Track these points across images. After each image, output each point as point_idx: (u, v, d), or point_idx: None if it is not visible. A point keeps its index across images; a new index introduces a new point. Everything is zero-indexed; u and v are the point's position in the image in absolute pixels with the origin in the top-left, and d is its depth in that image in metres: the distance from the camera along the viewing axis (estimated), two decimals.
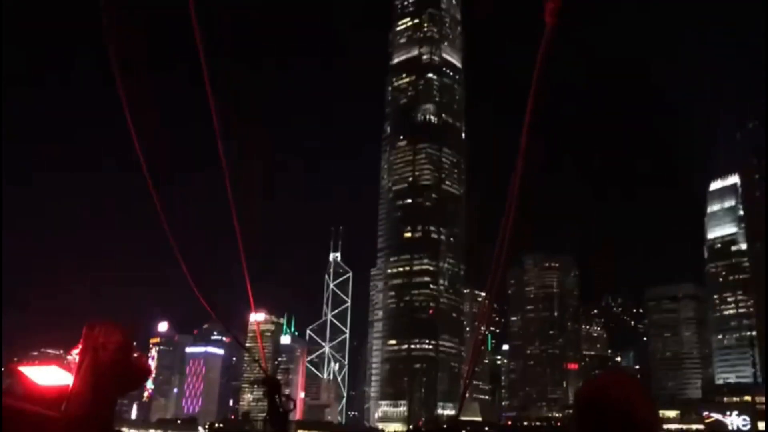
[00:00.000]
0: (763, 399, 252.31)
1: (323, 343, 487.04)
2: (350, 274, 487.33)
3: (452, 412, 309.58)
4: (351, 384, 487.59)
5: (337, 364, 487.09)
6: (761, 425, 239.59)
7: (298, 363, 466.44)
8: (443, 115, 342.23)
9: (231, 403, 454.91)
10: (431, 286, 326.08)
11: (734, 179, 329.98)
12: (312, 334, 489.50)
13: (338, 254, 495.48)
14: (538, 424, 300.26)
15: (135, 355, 3.42)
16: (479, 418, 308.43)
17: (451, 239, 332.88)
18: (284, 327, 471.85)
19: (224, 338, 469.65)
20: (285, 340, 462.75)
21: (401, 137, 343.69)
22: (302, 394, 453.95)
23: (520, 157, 3.85)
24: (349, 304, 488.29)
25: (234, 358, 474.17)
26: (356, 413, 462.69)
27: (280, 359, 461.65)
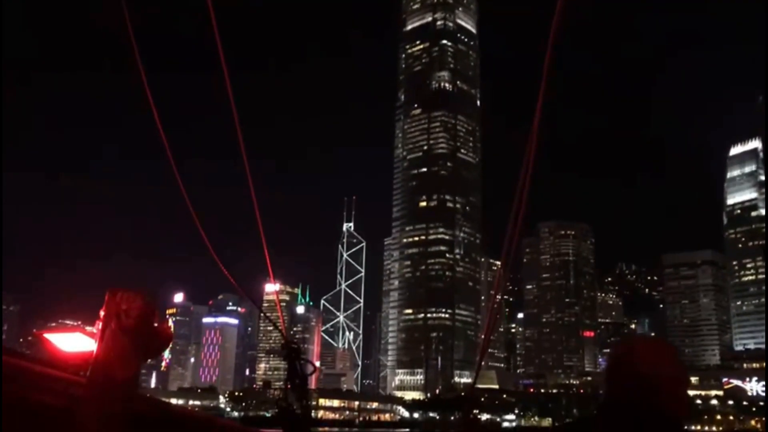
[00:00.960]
0: None
1: (338, 313, 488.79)
2: (363, 243, 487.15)
3: (469, 380, 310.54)
4: (365, 353, 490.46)
5: (352, 334, 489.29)
6: None
7: (314, 332, 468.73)
8: (458, 82, 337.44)
9: (247, 372, 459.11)
10: (447, 255, 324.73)
11: (755, 144, 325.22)
12: (326, 304, 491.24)
13: (351, 224, 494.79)
14: (555, 391, 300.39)
15: (157, 322, 3.54)
16: (496, 386, 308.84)
17: (467, 208, 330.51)
18: (299, 297, 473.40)
19: (239, 309, 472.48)
20: (300, 309, 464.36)
21: (415, 105, 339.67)
22: (318, 363, 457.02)
23: (534, 125, 3.88)
24: (363, 273, 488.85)
25: (249, 328, 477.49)
26: (371, 381, 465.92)
27: (295, 329, 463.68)
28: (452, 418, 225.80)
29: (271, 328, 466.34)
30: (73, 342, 3.52)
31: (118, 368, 3.24)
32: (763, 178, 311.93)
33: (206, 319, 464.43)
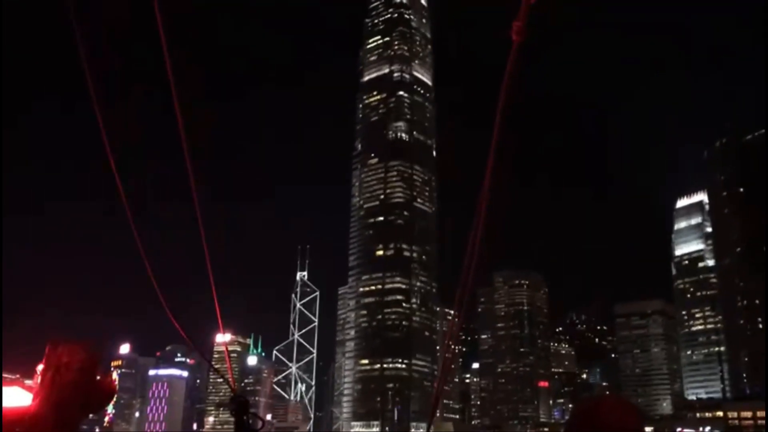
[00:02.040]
0: (735, 414, 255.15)
1: (290, 364, 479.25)
2: (317, 293, 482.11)
3: None
4: (318, 405, 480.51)
5: (304, 385, 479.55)
6: None
7: (265, 384, 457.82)
8: (414, 132, 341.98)
9: (195, 426, 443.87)
10: (404, 304, 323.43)
11: (700, 197, 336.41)
12: (279, 355, 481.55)
13: (305, 273, 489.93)
14: None
15: (100, 375, 3.34)
16: None
17: (424, 257, 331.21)
18: (250, 347, 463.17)
19: (188, 360, 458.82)
20: (251, 361, 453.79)
21: (372, 155, 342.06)
22: (269, 416, 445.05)
23: (487, 174, 4.00)
24: (316, 323, 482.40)
25: (198, 381, 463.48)
26: None
27: (246, 381, 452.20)
28: None
29: (221, 380, 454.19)
30: (11, 396, 3.34)
31: (56, 424, 3.08)
32: (709, 229, 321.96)
33: (153, 372, 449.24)
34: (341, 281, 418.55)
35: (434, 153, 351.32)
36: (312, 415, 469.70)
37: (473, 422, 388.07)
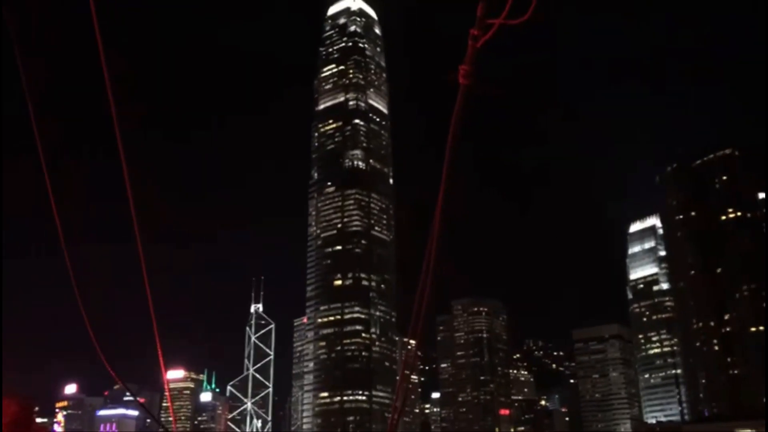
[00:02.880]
0: None
1: (245, 399, 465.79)
2: (273, 325, 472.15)
3: None
4: None
5: (260, 421, 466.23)
6: None
7: (220, 421, 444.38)
8: (371, 160, 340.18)
9: None
10: (363, 334, 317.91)
11: (652, 221, 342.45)
12: (233, 390, 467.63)
13: (260, 305, 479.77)
14: None
15: (34, 426, 3.12)
16: None
17: (382, 286, 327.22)
18: (204, 383, 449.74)
19: (138, 398, 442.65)
20: (205, 397, 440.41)
21: (329, 183, 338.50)
22: None
23: (438, 206, 4.13)
24: (272, 356, 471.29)
25: (148, 420, 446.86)
26: None
27: (200, 418, 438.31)
28: None
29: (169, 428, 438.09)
30: None
31: None
32: (662, 253, 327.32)
33: (101, 412, 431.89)
34: (297, 313, 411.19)
35: (391, 181, 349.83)
36: None
37: None
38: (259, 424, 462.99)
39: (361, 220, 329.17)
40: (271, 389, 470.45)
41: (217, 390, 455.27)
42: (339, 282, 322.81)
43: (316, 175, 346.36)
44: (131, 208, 4.37)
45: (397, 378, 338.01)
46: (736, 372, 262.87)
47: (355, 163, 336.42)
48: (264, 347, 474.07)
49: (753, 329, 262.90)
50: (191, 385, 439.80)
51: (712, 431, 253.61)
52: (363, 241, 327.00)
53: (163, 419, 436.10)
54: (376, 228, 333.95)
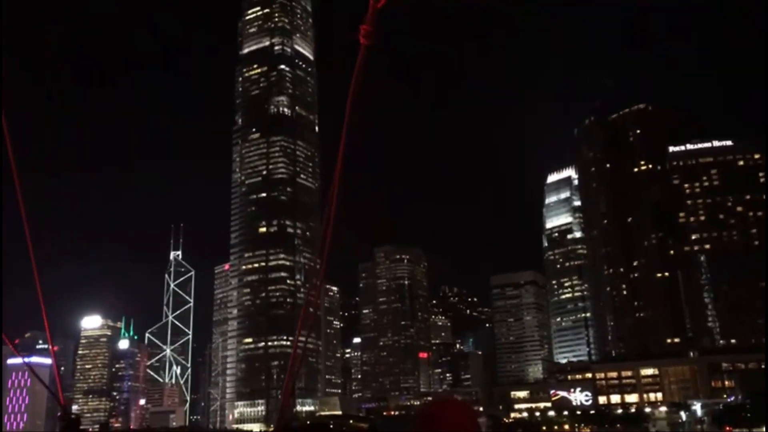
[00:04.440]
0: (602, 375, 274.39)
1: (164, 346, 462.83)
2: (192, 272, 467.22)
3: (312, 408, 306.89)
4: (194, 387, 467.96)
5: (179, 367, 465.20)
6: (601, 399, 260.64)
7: (138, 368, 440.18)
8: (297, 107, 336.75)
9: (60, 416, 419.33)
10: (288, 281, 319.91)
11: (568, 172, 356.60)
12: (152, 338, 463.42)
13: (179, 252, 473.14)
14: (397, 413, 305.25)
15: None
16: (340, 412, 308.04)
17: (308, 233, 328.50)
18: (122, 331, 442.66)
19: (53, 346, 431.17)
20: (123, 345, 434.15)
21: (254, 130, 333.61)
22: (143, 401, 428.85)
23: (339, 157, 4.37)
24: (191, 304, 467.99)
25: (63, 368, 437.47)
26: (199, 417, 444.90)
27: (118, 365, 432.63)
28: None
29: (89, 366, 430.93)
30: None
31: None
32: (577, 203, 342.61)
33: (12, 360, 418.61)
34: (218, 260, 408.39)
35: (317, 129, 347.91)
36: (188, 398, 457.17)
37: (354, 396, 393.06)
38: (179, 371, 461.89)
39: (287, 168, 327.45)
40: (190, 336, 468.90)
41: (136, 337, 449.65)
42: (264, 229, 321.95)
43: (240, 121, 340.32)
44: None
45: (322, 324, 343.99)
46: (641, 315, 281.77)
47: (281, 109, 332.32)
48: (183, 294, 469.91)
49: (658, 275, 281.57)
50: (108, 332, 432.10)
51: (618, 370, 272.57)
52: (288, 189, 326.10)
53: (79, 366, 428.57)
54: (302, 176, 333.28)
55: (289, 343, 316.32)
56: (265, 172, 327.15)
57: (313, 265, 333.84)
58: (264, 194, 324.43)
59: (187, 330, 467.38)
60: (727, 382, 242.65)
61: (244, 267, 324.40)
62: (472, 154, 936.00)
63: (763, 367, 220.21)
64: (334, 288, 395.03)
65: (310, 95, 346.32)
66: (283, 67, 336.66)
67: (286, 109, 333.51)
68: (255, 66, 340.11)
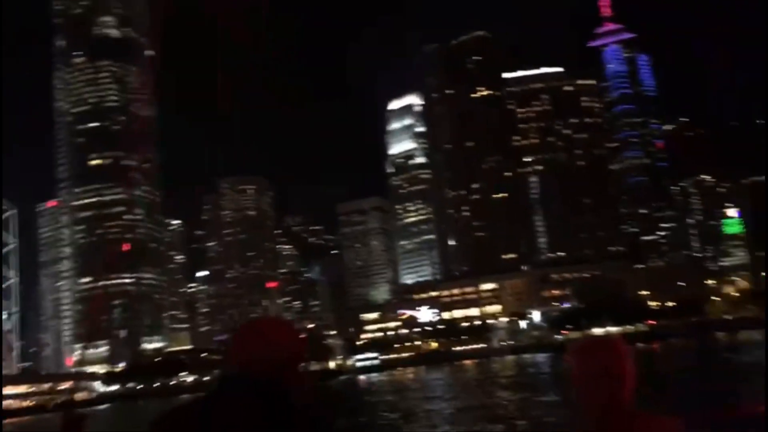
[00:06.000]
0: (447, 293, 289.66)
1: None
2: (15, 211, 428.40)
3: (160, 345, 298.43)
4: (23, 333, 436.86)
5: (6, 314, 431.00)
6: (445, 315, 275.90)
7: None
8: (127, 29, 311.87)
9: None
10: (125, 216, 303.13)
11: (410, 99, 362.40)
12: None
13: None
14: None
15: None
16: (191, 346, 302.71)
17: (145, 165, 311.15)
18: None
19: None
20: None
21: (78, 53, 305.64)
22: None
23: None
24: (16, 244, 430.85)
25: None
26: (31, 363, 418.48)
27: None
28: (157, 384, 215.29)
29: None
30: None
31: None
32: (419, 129, 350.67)
33: None
34: (42, 197, 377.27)
35: (151, 52, 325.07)
36: (16, 344, 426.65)
37: (202, 329, 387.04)
38: (5, 317, 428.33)
39: (119, 95, 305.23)
40: (16, 279, 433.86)
41: None
42: (96, 162, 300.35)
43: (61, 43, 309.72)
44: None
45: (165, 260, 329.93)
46: (481, 234, 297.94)
47: (109, 31, 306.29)
48: (6, 234, 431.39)
49: (496, 196, 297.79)
50: None
51: (461, 287, 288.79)
52: (121, 117, 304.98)
53: None
54: (136, 103, 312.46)
55: (130, 281, 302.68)
56: (93, 100, 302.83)
57: (153, 198, 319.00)
58: (94, 124, 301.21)
59: (10, 274, 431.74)
60: (557, 291, 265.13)
61: (75, 203, 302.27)
62: (314, 81, 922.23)
63: (595, 273, 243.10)
64: (177, 221, 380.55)
65: (142, 16, 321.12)
66: None
67: (114, 31, 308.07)
68: None
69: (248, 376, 2.78)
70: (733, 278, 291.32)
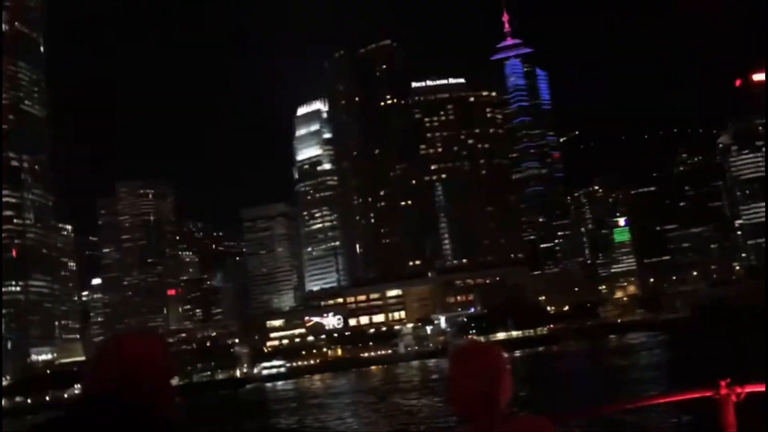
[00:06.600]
0: (353, 299, 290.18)
1: None
2: None
3: (50, 357, 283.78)
4: None
5: None
6: (351, 321, 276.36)
7: None
8: (17, 24, 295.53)
9: None
10: (15, 220, 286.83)
11: (318, 105, 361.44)
12: None
13: None
14: None
15: None
16: (83, 357, 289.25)
17: (36, 167, 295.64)
18: None
19: None
20: None
21: None
22: None
23: None
24: None
25: None
26: None
27: None
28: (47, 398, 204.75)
29: None
30: None
31: None
32: (326, 136, 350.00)
33: None
34: None
35: (42, 49, 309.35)
36: None
37: (96, 339, 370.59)
38: None
39: (8, 93, 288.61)
40: None
41: None
42: None
43: None
44: None
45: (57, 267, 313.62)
46: (387, 241, 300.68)
47: None
48: None
49: (403, 203, 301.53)
50: None
51: (366, 293, 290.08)
52: (10, 116, 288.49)
53: None
54: (27, 102, 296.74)
55: (19, 288, 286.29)
56: None
57: (45, 202, 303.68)
58: None
59: None
60: (460, 297, 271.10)
61: None
62: (222, 83, 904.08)
63: (497, 279, 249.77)
64: (68, 227, 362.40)
65: (35, 10, 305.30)
66: None
67: (3, 25, 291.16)
68: None
69: (106, 396, 2.59)
70: (623, 284, 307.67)
